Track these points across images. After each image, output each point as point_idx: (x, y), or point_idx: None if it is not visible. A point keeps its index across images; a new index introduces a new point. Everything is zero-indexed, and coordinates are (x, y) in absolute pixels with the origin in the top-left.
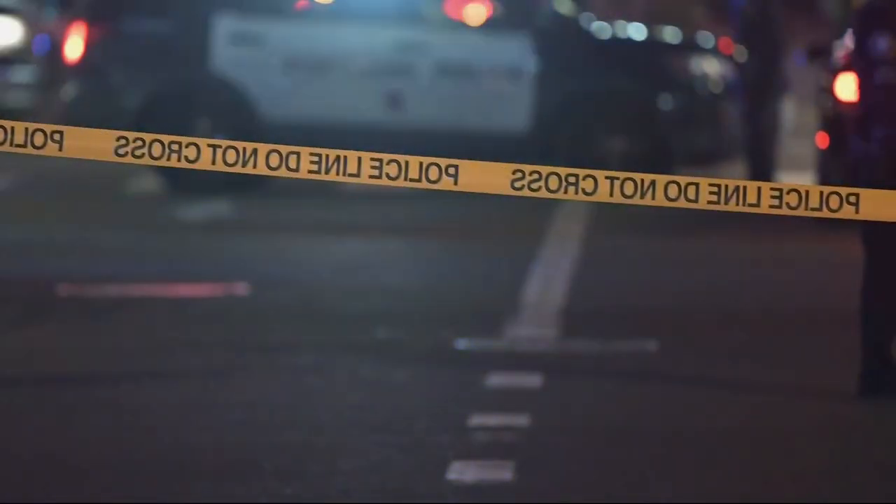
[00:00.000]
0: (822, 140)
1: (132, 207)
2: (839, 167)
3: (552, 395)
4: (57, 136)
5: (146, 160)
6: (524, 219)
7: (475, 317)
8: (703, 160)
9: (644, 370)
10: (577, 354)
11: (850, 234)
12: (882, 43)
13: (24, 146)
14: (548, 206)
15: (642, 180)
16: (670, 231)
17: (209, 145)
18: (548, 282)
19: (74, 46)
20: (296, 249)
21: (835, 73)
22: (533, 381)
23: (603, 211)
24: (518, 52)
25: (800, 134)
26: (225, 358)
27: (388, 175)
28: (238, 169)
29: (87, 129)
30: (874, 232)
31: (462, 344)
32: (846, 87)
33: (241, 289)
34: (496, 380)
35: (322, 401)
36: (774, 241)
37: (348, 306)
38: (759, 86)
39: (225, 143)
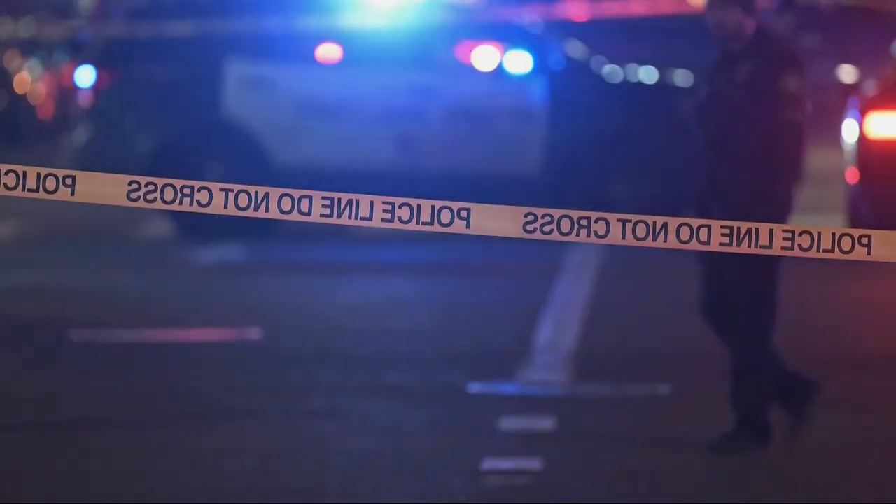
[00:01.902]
0: (851, 176)
1: (144, 252)
2: (869, 202)
3: (565, 438)
4: (69, 181)
5: (158, 204)
6: (536, 261)
7: (487, 360)
8: None
9: (657, 414)
10: (589, 398)
11: (869, 275)
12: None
13: (37, 191)
14: (560, 248)
15: (654, 223)
16: (683, 273)
17: (221, 189)
18: (560, 325)
19: (86, 91)
20: (308, 293)
21: (864, 109)
22: (545, 424)
23: (615, 253)
24: (529, 95)
25: (816, 179)
26: (237, 402)
27: (400, 218)
28: (250, 213)
29: (98, 173)
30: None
31: (474, 387)
32: (877, 124)
33: (253, 333)
34: (509, 423)
35: (334, 444)
36: (789, 283)
37: (361, 349)
38: None
39: (237, 186)
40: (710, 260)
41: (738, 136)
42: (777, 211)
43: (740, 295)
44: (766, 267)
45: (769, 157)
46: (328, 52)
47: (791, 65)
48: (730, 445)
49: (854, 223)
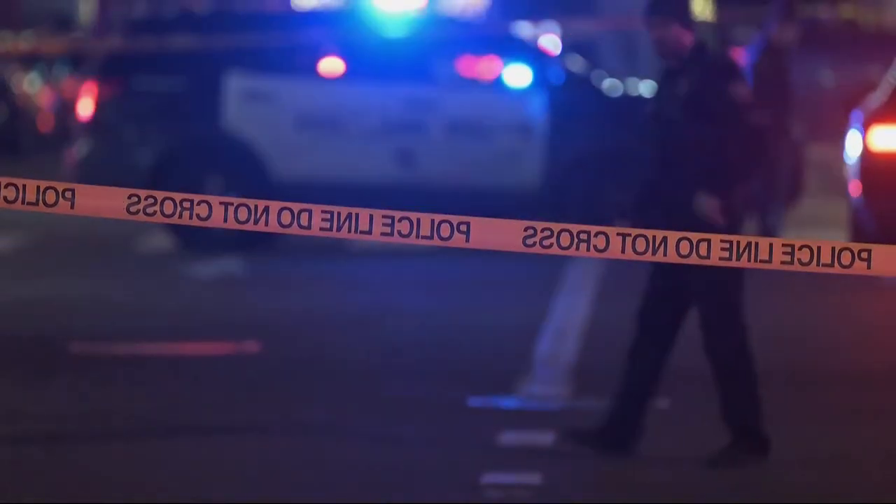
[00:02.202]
0: (854, 189)
1: (144, 265)
2: (872, 215)
3: (564, 452)
4: (69, 194)
5: (158, 218)
6: (536, 275)
7: (487, 374)
8: None
9: (656, 428)
10: (589, 412)
11: (868, 290)
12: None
13: (36, 204)
14: (560, 262)
15: (654, 237)
16: None
17: (221, 203)
18: (560, 339)
19: (86, 104)
20: (307, 306)
21: (867, 123)
22: (545, 438)
23: (615, 267)
24: (529, 109)
25: (815, 193)
26: (236, 416)
27: (399, 232)
28: (250, 226)
29: (98, 186)
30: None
31: (474, 401)
32: (880, 138)
33: (252, 346)
34: (509, 437)
35: (333, 458)
36: (790, 298)
37: (360, 363)
38: (770, 142)
39: (237, 200)
40: (660, 272)
41: (685, 150)
42: (730, 221)
43: (707, 311)
44: (729, 279)
45: (723, 168)
46: (331, 65)
47: (734, 73)
48: (728, 460)
49: (857, 236)
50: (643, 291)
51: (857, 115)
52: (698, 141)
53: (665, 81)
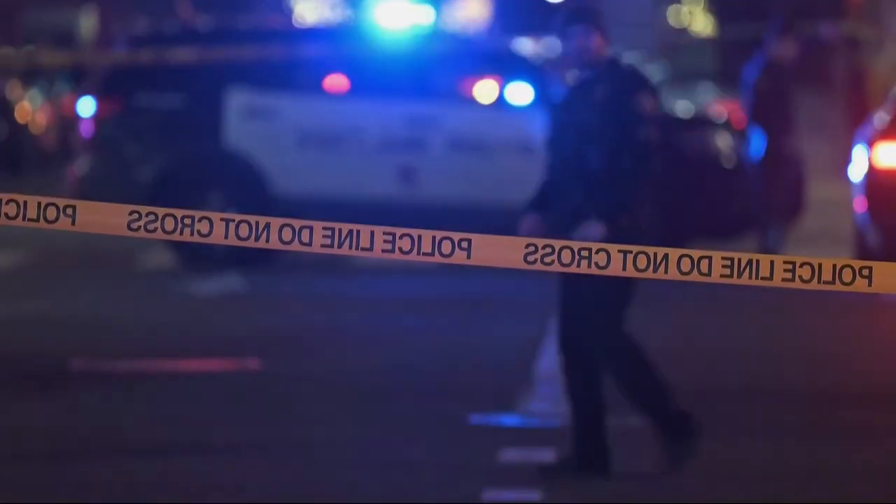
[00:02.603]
0: (859, 205)
1: (145, 282)
2: (877, 231)
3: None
4: (70, 211)
5: (159, 234)
6: (536, 292)
7: (488, 391)
8: (717, 234)
9: (658, 446)
10: None
11: (867, 307)
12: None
13: (37, 220)
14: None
15: (655, 254)
16: (682, 304)
17: (222, 219)
18: None
19: (87, 121)
20: (308, 324)
21: (873, 140)
22: (546, 456)
23: None
24: (530, 126)
25: (814, 208)
26: (236, 433)
27: (400, 249)
28: (251, 243)
29: (99, 203)
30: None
31: (475, 418)
32: (885, 155)
33: (253, 364)
34: (509, 455)
35: (333, 475)
36: (791, 315)
37: (361, 380)
38: (770, 160)
39: (238, 216)
40: (564, 287)
41: (603, 158)
42: (636, 228)
43: (587, 325)
44: (608, 294)
45: (627, 177)
46: (332, 82)
47: (645, 86)
48: (673, 452)
49: (862, 252)
50: (558, 310)
51: (862, 132)
52: (614, 148)
53: (576, 92)
